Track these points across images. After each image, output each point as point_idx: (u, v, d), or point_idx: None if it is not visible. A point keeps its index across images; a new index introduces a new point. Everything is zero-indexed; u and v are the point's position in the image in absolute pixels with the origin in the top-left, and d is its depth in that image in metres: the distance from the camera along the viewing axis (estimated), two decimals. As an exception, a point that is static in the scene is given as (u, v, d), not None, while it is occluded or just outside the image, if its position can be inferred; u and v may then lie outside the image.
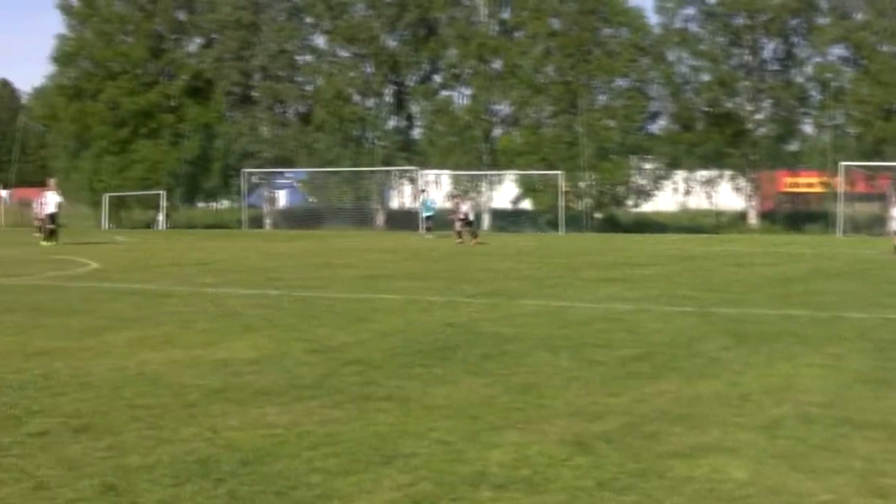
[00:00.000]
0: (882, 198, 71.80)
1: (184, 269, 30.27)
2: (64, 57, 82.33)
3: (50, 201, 48.69)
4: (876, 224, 67.83)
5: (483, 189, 77.46)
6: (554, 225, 69.38)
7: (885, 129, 68.02)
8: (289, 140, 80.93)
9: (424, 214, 61.81)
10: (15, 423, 9.56)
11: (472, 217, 48.36)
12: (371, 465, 8.07)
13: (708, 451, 8.58)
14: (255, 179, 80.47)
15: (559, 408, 10.22)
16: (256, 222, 79.44)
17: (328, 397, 10.69)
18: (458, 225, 50.50)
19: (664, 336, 15.53)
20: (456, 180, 76.31)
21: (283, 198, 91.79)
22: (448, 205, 49.00)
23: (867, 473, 7.96)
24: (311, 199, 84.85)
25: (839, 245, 49.53)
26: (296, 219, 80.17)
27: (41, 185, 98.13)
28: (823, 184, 72.81)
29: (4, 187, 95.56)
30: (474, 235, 46.99)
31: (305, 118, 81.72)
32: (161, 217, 78.70)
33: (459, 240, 48.57)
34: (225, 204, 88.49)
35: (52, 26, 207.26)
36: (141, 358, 13.21)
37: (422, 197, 64.47)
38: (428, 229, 59.90)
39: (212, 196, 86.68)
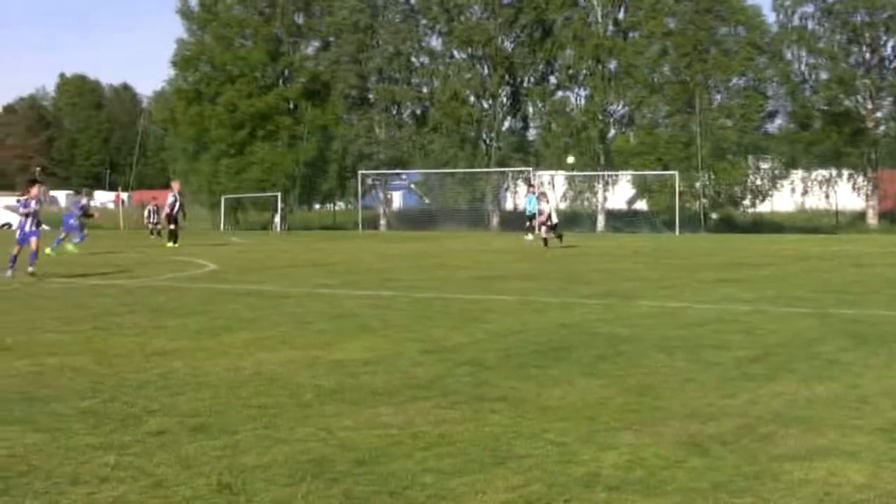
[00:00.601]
0: None
1: (300, 271, 30.52)
2: (183, 61, 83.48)
3: (170, 202, 49.48)
4: None
5: (598, 189, 77.16)
6: (670, 225, 68.89)
7: None
8: (404, 142, 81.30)
9: (528, 213, 61.19)
10: (134, 421, 9.69)
11: (555, 219, 45.21)
12: (484, 466, 8.07)
13: (824, 454, 8.47)
14: (370, 181, 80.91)
15: (675, 409, 10.15)
16: (372, 224, 79.89)
17: (442, 398, 10.71)
18: (543, 230, 46.02)
19: (781, 337, 15.35)
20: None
21: (398, 199, 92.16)
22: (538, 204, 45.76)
23: None
24: (425, 201, 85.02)
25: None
26: (410, 220, 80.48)
27: (162, 187, 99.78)
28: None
29: (124, 190, 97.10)
30: (559, 237, 44.64)
31: (421, 120, 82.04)
32: (277, 219, 79.39)
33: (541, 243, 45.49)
34: (341, 206, 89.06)
35: (173, 30, 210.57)
36: (257, 358, 13.34)
37: (527, 197, 63.76)
38: (531, 229, 59.28)
39: (328, 198, 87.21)
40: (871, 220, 73.11)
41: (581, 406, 10.28)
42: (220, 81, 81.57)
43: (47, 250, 36.25)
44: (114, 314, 18.86)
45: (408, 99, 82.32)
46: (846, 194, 74.68)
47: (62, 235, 41.33)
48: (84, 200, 45.08)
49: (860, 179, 74.27)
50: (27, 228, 26.83)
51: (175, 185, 51.55)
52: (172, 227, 48.08)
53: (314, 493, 7.37)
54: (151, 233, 58.03)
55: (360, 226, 77.02)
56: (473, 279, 26.85)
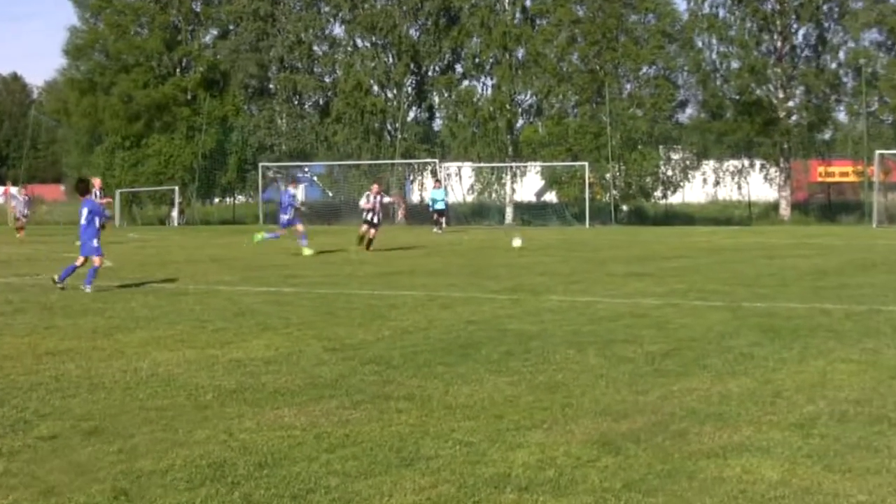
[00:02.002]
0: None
1: (198, 267, 30.32)
2: (76, 50, 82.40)
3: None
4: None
5: (506, 181, 77.42)
6: (580, 218, 69.25)
7: (921, 115, 67.80)
8: (306, 133, 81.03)
9: (435, 208, 60.91)
10: (25, 426, 9.57)
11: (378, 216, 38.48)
12: (391, 468, 8.06)
13: (739, 450, 8.54)
14: (271, 174, 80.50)
15: (586, 406, 10.21)
16: (273, 218, 79.44)
17: (347, 397, 10.70)
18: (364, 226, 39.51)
19: (693, 332, 15.48)
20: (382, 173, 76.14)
21: (301, 192, 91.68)
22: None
23: (905, 473, 7.92)
24: (329, 194, 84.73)
25: (874, 236, 49.30)
26: (314, 214, 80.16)
27: (54, 181, 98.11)
28: (858, 173, 72.62)
29: (14, 183, 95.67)
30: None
31: (324, 110, 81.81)
32: (175, 213, 78.82)
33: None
34: (241, 199, 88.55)
35: (65, 18, 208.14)
36: (154, 358, 13.23)
37: (433, 191, 63.51)
38: (437, 223, 59.03)
39: (228, 191, 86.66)
40: (784, 211, 73.95)
41: (489, 404, 10.31)
42: (115, 71, 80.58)
43: None
44: (1, 314, 18.62)
45: (310, 89, 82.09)
46: (758, 185, 75.56)
47: None
48: None
49: (772, 170, 75.14)
50: None
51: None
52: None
53: (214, 498, 7.32)
54: (19, 230, 51.21)
55: (261, 220, 76.62)
56: (379, 275, 26.81)
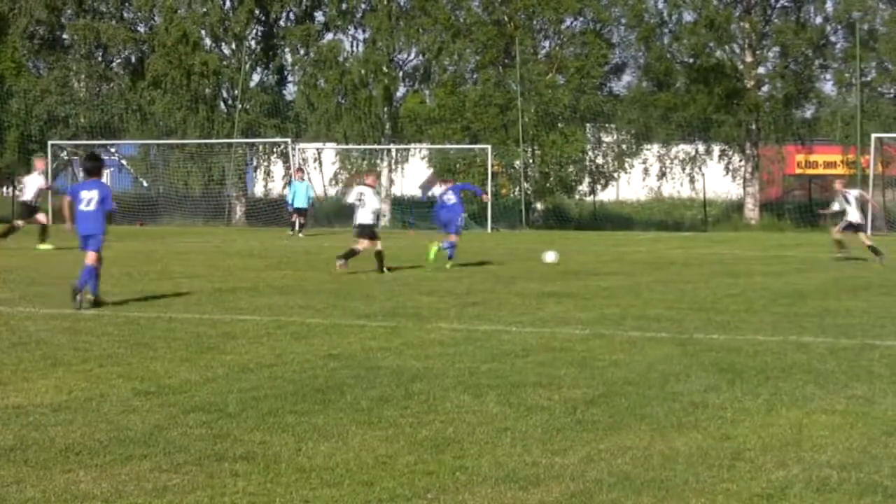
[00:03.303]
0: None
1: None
2: None
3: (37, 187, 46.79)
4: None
5: (383, 170, 77.43)
6: (479, 219, 69.47)
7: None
8: (113, 101, 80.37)
9: (296, 206, 60.70)
10: None
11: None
12: (223, 552, 8.08)
13: (687, 529, 8.67)
14: (65, 155, 79.78)
15: (484, 470, 10.27)
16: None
17: (165, 457, 10.67)
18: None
19: (628, 372, 15.64)
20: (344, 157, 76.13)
21: (105, 180, 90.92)
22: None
23: (902, 560, 8.09)
24: (144, 184, 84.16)
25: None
26: (121, 209, 79.53)
27: None
28: (848, 163, 73.37)
29: None
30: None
31: (137, 71, 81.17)
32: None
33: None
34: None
35: None
36: None
37: (293, 183, 63.15)
38: (299, 225, 58.90)
39: (6, 177, 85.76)
40: (751, 212, 74.60)
41: (356, 467, 10.34)
42: None
43: None
44: None
45: (118, 41, 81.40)
46: (718, 178, 76.09)
47: None
48: None
49: (736, 158, 75.74)
50: None
51: (40, 164, 48.58)
52: (42, 219, 45.18)
53: None
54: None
55: (51, 216, 75.97)
56: (210, 293, 26.76)
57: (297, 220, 57.73)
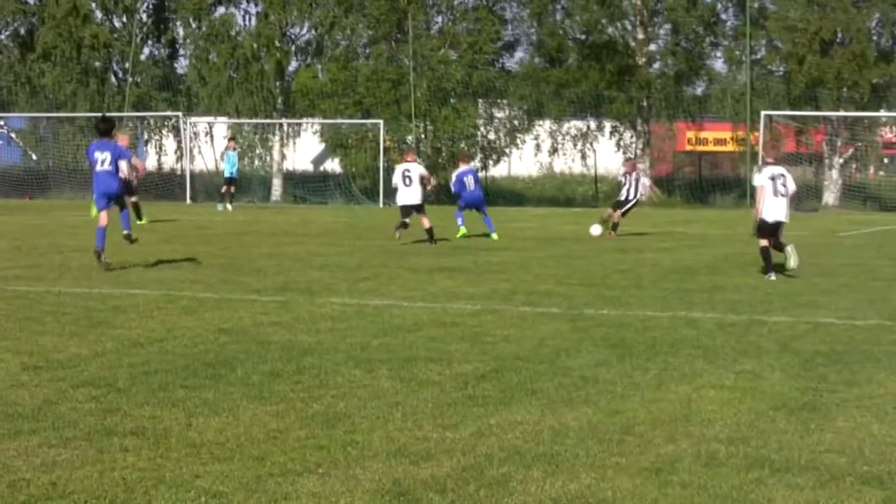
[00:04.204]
0: (816, 160, 73.15)
1: None
2: None
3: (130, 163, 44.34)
4: (807, 195, 68.94)
5: (274, 144, 77.21)
6: (371, 195, 69.49)
7: (820, 66, 68.79)
8: (2, 73, 79.72)
9: (227, 175, 60.05)
10: None
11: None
12: (112, 528, 8.04)
13: (576, 503, 8.68)
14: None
15: (375, 445, 10.28)
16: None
17: (53, 432, 10.60)
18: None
19: (519, 347, 15.69)
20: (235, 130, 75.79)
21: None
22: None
23: (789, 533, 8.15)
24: (32, 157, 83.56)
25: (758, 224, 50.31)
26: (10, 182, 78.99)
27: None
28: (738, 140, 73.89)
29: None
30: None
31: (26, 43, 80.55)
32: None
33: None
34: None
35: None
36: None
37: (227, 152, 62.46)
38: (225, 196, 58.33)
39: None
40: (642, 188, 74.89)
41: (247, 442, 10.32)
42: None
43: None
44: None
45: (7, 13, 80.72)
46: (609, 154, 76.34)
47: None
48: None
49: (627, 135, 76.12)
50: None
51: (124, 139, 47.89)
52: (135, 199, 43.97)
53: None
54: None
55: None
56: (99, 267, 26.59)
57: (226, 190, 57.18)
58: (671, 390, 12.85)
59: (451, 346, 15.66)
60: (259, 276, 24.94)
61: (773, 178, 26.08)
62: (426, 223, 34.92)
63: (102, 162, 25.70)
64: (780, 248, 26.01)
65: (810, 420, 11.51)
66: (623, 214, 40.10)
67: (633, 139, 75.76)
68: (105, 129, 27.04)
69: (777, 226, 26.21)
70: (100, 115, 33.88)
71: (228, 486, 8.95)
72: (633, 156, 64.77)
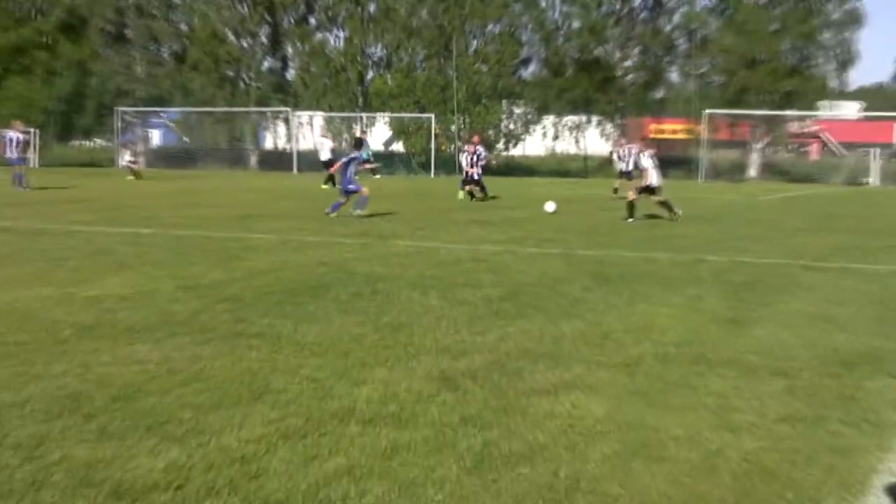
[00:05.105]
0: (743, 145, 73.21)
1: (56, 208, 29.84)
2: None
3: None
4: (736, 170, 69.18)
5: (356, 131, 77.09)
6: (425, 167, 69.43)
7: (747, 78, 68.86)
8: (163, 79, 79.69)
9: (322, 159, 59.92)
10: None
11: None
12: (241, 401, 8.09)
13: (569, 388, 8.72)
14: (128, 118, 79.24)
15: (427, 345, 10.31)
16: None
17: (199, 334, 10.67)
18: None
19: (529, 277, 15.69)
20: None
21: (156, 137, 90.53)
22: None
23: (719, 409, 8.17)
24: (185, 139, 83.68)
25: (701, 190, 50.22)
26: (169, 158, 79.10)
27: None
28: (688, 130, 73.86)
29: None
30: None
31: (180, 57, 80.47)
32: (33, 155, 77.12)
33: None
34: (99, 143, 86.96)
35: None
36: (12, 295, 13.02)
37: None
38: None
39: (86, 134, 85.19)
40: (618, 164, 74.62)
41: (337, 342, 10.36)
42: (-28, 14, 78.56)
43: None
44: None
45: (167, 36, 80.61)
46: (595, 140, 76.17)
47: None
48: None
49: (608, 126, 76.03)
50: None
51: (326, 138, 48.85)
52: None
53: (71, 429, 7.29)
54: None
55: (118, 163, 75.45)
56: (233, 218, 26.65)
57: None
58: (638, 308, 12.85)
59: (481, 276, 15.66)
60: (346, 225, 24.93)
61: (652, 159, 29.12)
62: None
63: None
64: (668, 205, 28.20)
65: (736, 329, 11.52)
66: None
67: (613, 129, 75.64)
68: (356, 144, 30.89)
69: (658, 188, 28.54)
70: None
71: (323, 374, 9.00)
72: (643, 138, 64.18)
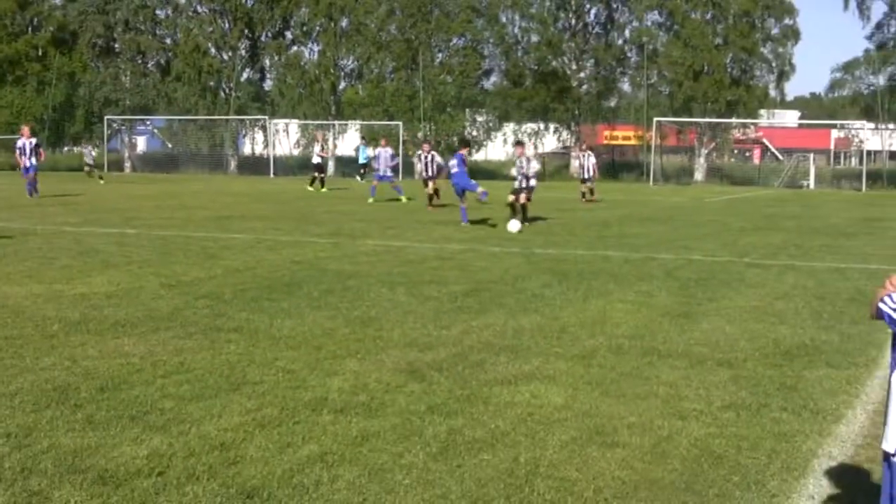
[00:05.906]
0: (689, 150, 73.64)
1: (46, 210, 29.65)
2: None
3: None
4: (684, 174, 69.52)
5: (329, 137, 77.08)
6: (395, 170, 69.40)
7: (693, 88, 69.15)
8: (149, 89, 79.55)
9: (361, 161, 60.54)
10: None
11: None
12: (220, 392, 8.03)
13: (529, 378, 8.68)
14: (116, 126, 79.08)
15: (395, 339, 10.27)
16: (117, 166, 78.07)
17: (181, 329, 10.60)
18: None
19: (491, 274, 15.66)
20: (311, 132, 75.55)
21: (142, 143, 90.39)
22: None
23: (670, 398, 8.14)
24: (168, 145, 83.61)
25: (651, 193, 50.38)
26: (154, 163, 79.03)
27: None
28: (638, 137, 74.25)
29: None
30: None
31: (165, 69, 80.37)
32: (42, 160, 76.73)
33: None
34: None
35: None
36: (3, 292, 12.94)
37: (359, 146, 62.63)
38: (321, 180, 57.70)
39: (76, 141, 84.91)
40: (574, 169, 74.77)
41: (310, 336, 10.31)
42: (-32, 28, 78.33)
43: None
44: None
45: (153, 49, 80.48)
46: (552, 146, 76.45)
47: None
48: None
49: (565, 133, 76.47)
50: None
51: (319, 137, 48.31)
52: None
53: (59, 419, 7.21)
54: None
55: (106, 168, 75.13)
56: (212, 219, 26.54)
57: (318, 176, 54.99)
58: (592, 303, 12.83)
59: (446, 273, 15.63)
60: (319, 225, 24.87)
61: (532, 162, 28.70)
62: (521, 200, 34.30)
63: (454, 166, 27.03)
64: (525, 210, 26.81)
65: (685, 323, 11.51)
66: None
67: (569, 136, 75.92)
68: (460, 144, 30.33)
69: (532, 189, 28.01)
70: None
71: (297, 366, 8.95)
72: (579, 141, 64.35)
